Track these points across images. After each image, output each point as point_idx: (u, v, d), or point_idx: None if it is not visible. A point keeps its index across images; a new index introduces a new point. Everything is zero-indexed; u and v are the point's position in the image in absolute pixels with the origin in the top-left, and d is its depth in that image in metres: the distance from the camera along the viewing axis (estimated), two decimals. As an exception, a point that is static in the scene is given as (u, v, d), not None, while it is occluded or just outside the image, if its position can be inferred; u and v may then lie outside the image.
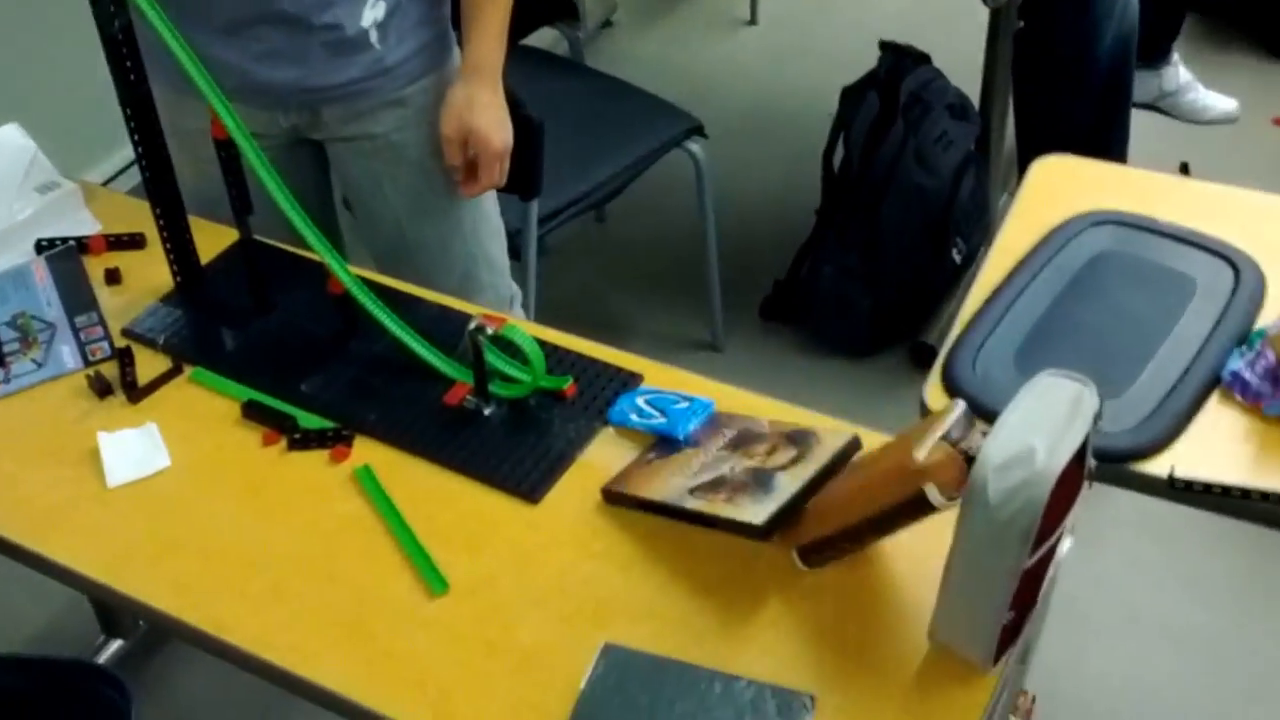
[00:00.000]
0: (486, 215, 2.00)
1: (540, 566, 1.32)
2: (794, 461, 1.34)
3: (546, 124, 2.17)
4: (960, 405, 1.17)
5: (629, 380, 1.51)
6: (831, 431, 1.36)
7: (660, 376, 1.52)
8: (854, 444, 1.33)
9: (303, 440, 1.45)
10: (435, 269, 1.95)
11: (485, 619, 1.27)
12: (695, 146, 2.64)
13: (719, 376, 1.52)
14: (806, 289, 2.88)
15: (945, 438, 1.14)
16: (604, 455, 1.43)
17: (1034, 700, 1.96)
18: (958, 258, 2.81)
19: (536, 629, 1.25)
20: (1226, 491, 1.36)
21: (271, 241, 1.68)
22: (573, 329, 1.60)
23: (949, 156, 2.72)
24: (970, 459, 1.11)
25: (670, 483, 1.36)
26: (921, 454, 1.13)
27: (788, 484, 1.30)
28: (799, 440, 1.37)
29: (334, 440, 1.44)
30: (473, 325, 1.43)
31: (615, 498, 1.37)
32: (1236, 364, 1.47)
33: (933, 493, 1.13)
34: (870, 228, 2.73)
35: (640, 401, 1.48)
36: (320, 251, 1.50)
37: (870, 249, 2.74)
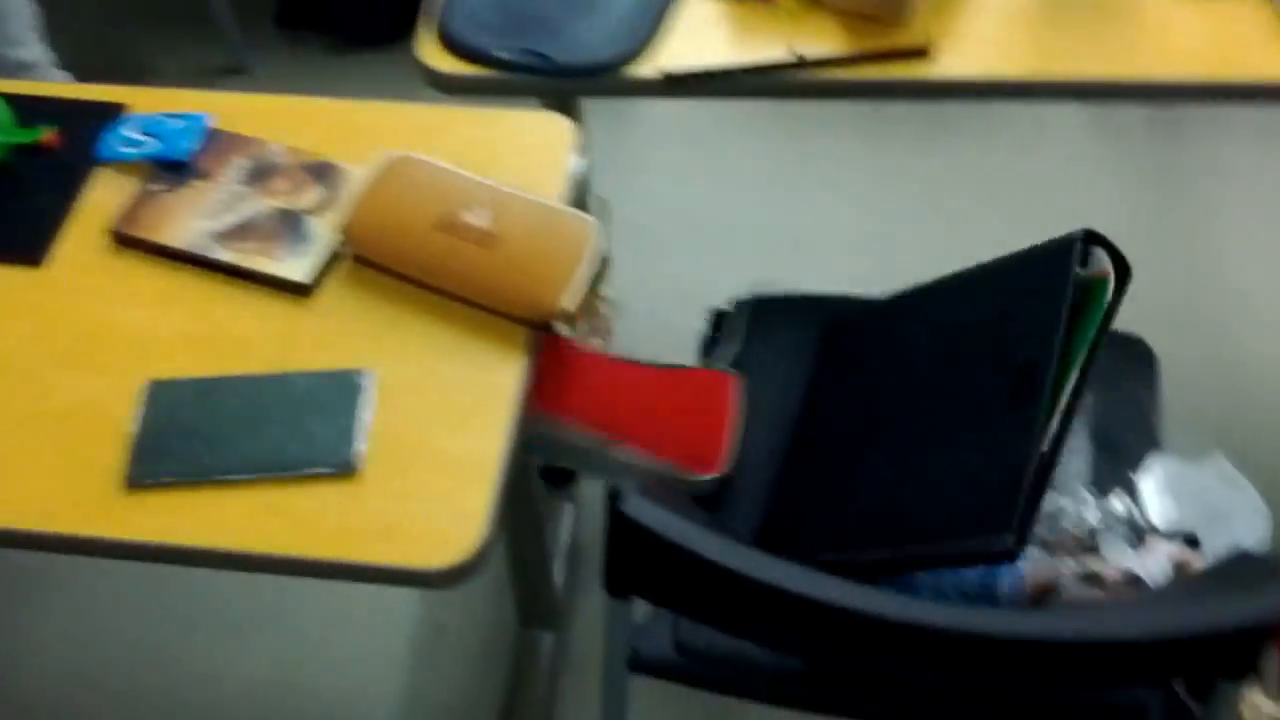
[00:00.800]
0: None
1: (63, 326, 1.24)
2: (323, 204, 1.31)
3: None
4: (600, 244, 1.23)
5: (115, 112, 1.41)
6: (359, 165, 1.33)
7: (151, 101, 1.42)
8: (389, 161, 1.31)
9: None
10: None
11: (14, 395, 1.19)
12: None
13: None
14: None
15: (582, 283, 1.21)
16: (105, 198, 1.34)
17: (610, 319, 2.06)
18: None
19: (74, 389, 1.20)
20: (718, 73, 1.41)
21: None
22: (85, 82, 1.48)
23: None
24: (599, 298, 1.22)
25: (190, 226, 1.30)
26: (567, 301, 1.20)
27: (321, 230, 1.28)
28: (323, 175, 1.34)
29: None
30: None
31: (129, 241, 1.30)
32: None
33: (562, 328, 1.21)
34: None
35: (129, 131, 1.38)
36: None
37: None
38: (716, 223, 2.39)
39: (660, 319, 2.12)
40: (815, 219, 2.39)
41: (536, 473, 1.70)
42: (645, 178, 2.45)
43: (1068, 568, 1.20)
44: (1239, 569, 1.13)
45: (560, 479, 1.93)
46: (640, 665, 1.26)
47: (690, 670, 1.29)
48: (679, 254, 2.33)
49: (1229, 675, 1.10)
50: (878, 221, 2.39)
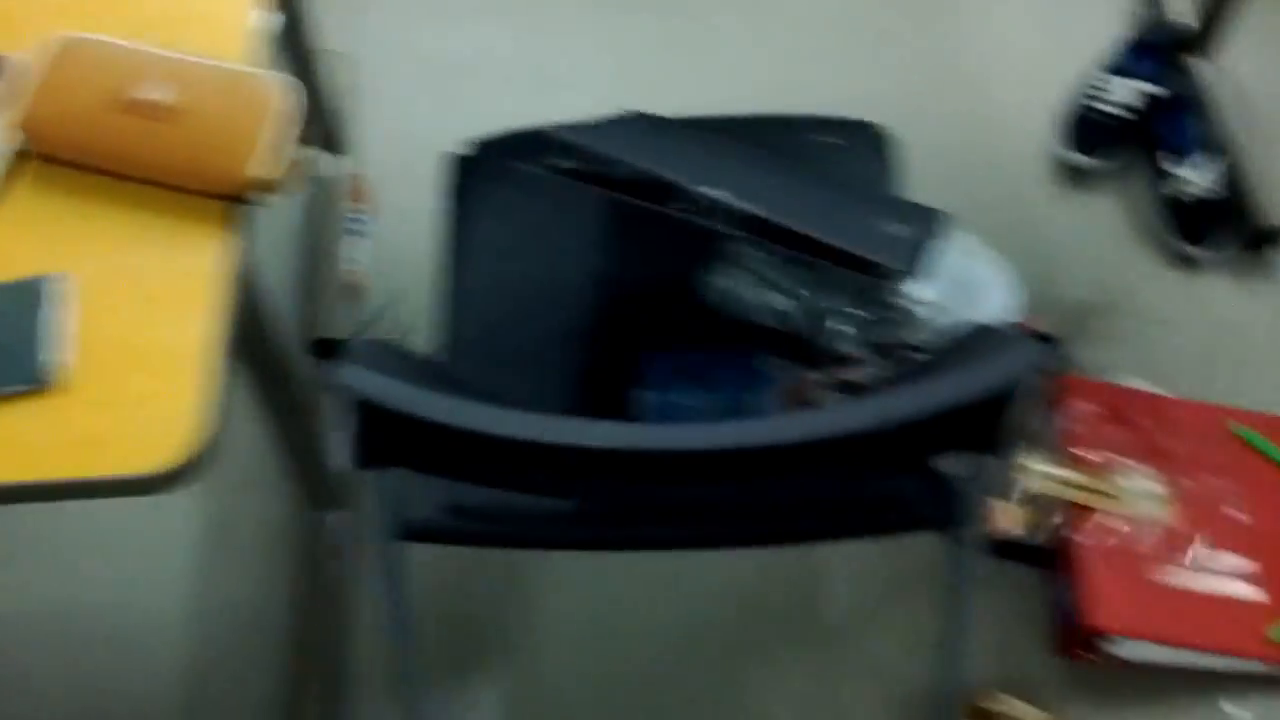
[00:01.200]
0: None
1: None
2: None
3: None
4: (290, 103, 1.15)
5: None
6: (27, 55, 1.20)
7: None
8: (58, 45, 1.19)
9: None
10: None
11: None
12: None
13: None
14: None
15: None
16: None
17: (365, 180, 1.98)
18: None
19: None
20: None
21: None
22: None
23: None
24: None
25: None
26: (258, 169, 1.13)
27: None
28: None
29: None
30: None
31: None
32: None
33: (264, 199, 1.15)
34: None
35: None
36: None
37: None
38: (459, 62, 2.29)
39: (412, 168, 2.05)
40: (558, 48, 2.31)
41: (305, 348, 1.64)
42: (378, 21, 2.32)
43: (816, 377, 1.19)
44: (979, 341, 1.14)
45: (329, 350, 1.86)
46: (413, 534, 1.23)
47: (464, 530, 1.26)
48: (424, 99, 2.24)
49: (979, 449, 1.11)
50: (623, 46, 2.32)
